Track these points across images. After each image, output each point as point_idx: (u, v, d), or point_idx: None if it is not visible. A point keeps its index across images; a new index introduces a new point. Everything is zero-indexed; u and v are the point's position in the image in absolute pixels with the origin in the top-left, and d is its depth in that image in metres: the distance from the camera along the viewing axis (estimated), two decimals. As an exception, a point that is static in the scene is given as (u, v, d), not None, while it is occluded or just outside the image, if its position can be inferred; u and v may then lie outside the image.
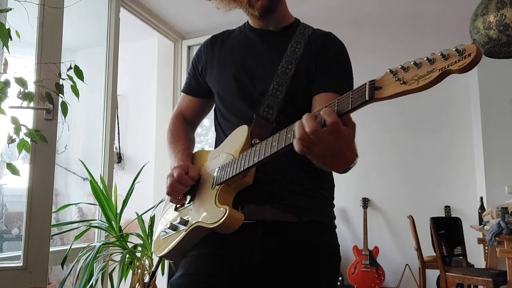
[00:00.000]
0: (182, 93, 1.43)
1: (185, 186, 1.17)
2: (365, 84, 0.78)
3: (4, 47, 1.70)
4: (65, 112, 1.90)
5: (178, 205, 1.25)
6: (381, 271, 4.63)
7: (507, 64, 3.93)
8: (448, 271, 3.48)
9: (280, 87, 1.16)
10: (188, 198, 1.21)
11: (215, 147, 1.29)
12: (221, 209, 1.03)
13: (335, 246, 1.17)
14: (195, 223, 1.10)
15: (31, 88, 1.88)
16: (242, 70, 1.24)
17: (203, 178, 1.20)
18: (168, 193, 1.20)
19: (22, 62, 1.90)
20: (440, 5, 3.44)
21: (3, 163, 1.92)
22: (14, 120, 1.74)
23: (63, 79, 1.89)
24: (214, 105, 1.36)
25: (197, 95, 1.39)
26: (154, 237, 1.28)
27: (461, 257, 3.94)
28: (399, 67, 0.74)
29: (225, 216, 1.00)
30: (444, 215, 4.71)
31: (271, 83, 1.17)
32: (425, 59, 0.70)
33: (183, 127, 1.40)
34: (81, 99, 1.89)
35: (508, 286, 3.02)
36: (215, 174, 1.13)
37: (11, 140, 1.75)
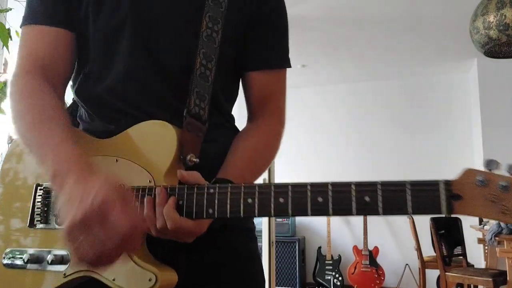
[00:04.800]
0: (33, 27, 0.78)
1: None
2: (437, 185, 0.51)
3: (4, 47, 1.70)
4: (65, 112, 1.90)
5: (37, 220, 0.75)
6: (381, 271, 4.63)
7: (507, 64, 3.94)
8: (448, 271, 3.49)
9: (209, 62, 0.76)
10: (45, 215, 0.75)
11: (79, 127, 0.83)
12: (147, 273, 0.65)
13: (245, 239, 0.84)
14: (85, 271, 0.68)
15: (31, 88, 1.88)
16: (146, 23, 0.77)
17: None
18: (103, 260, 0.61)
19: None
20: (440, 5, 3.44)
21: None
22: (14, 120, 1.74)
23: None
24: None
25: (69, 26, 0.79)
26: None
27: (461, 257, 3.94)
28: (491, 175, 0.51)
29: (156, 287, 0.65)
30: (444, 215, 4.72)
31: (197, 57, 0.76)
32: None
33: (45, 92, 0.75)
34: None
35: (508, 286, 3.02)
36: None
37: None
